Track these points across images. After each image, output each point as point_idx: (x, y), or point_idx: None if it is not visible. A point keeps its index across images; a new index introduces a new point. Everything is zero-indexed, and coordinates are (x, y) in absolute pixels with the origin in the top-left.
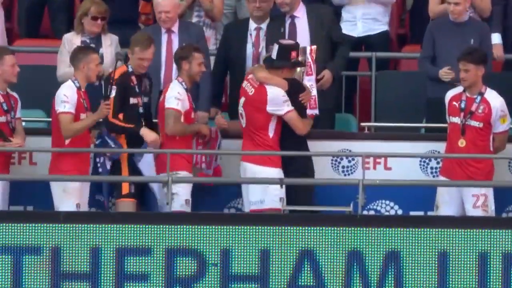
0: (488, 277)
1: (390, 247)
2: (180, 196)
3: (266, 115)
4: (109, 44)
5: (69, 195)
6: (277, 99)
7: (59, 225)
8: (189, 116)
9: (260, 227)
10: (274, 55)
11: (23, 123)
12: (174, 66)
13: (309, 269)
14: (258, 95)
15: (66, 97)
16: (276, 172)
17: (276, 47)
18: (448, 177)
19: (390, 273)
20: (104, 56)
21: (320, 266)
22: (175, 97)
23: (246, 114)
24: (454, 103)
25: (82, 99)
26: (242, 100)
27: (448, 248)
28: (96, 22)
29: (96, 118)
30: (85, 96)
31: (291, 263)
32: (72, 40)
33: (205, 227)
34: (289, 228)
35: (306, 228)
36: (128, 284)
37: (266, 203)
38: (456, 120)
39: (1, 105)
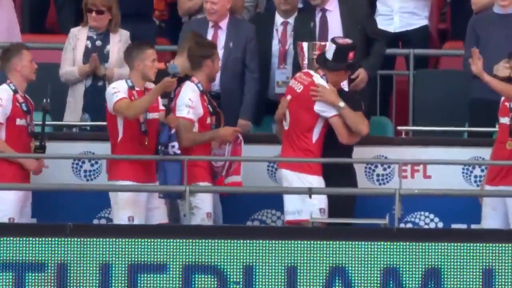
0: None
1: (430, 263)
2: (200, 210)
3: (313, 115)
4: (118, 41)
5: (120, 207)
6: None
7: (66, 239)
8: (204, 122)
9: (286, 241)
10: (329, 56)
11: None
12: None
13: (340, 287)
14: (307, 91)
15: (116, 88)
16: (316, 181)
17: (332, 47)
18: (493, 186)
19: None
20: (110, 53)
21: (353, 284)
22: (186, 104)
23: (291, 114)
24: (507, 103)
25: (135, 99)
26: (288, 98)
27: (493, 264)
28: (91, 15)
29: (160, 90)
30: (139, 96)
31: (321, 281)
32: (78, 35)
33: (226, 241)
34: (318, 242)
35: (337, 242)
36: None
37: (304, 214)
38: (505, 120)
39: (21, 106)
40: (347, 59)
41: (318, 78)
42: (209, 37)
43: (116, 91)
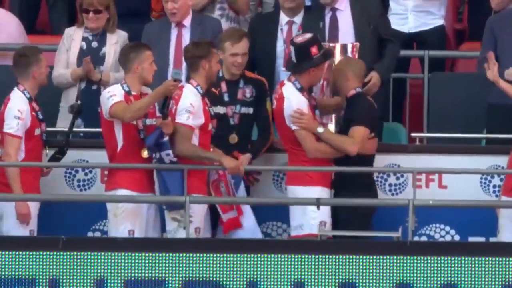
0: None
1: (446, 278)
2: (190, 224)
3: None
4: (115, 43)
5: (120, 219)
6: (287, 111)
7: (58, 253)
8: (205, 128)
9: (293, 256)
10: (294, 58)
11: None
12: (184, 65)
13: None
14: (279, 104)
15: (112, 92)
16: (316, 192)
17: (292, 48)
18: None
19: None
20: (106, 55)
21: None
22: (186, 109)
23: (277, 129)
24: None
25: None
26: None
27: None
28: (87, 15)
29: (161, 94)
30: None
31: None
32: (72, 35)
33: (229, 255)
34: (326, 256)
35: (347, 256)
36: None
37: (305, 229)
38: None
39: (37, 115)
40: (311, 55)
41: (287, 88)
42: (173, 37)
43: (112, 95)
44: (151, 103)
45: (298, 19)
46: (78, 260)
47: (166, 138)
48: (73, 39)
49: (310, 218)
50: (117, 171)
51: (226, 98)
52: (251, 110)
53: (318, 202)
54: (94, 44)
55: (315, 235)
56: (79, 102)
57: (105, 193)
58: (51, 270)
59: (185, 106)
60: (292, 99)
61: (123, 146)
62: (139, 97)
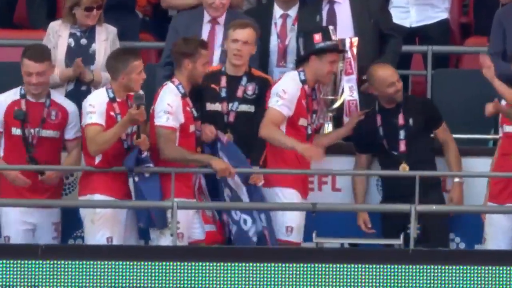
0: None
1: None
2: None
3: None
4: (104, 39)
5: (98, 226)
6: (273, 89)
7: (37, 262)
8: (186, 129)
9: (285, 265)
10: (302, 49)
11: None
12: (216, 58)
13: None
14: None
15: (92, 106)
16: (292, 195)
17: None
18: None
19: None
20: (96, 54)
21: None
22: (164, 110)
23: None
24: None
25: (115, 112)
26: None
27: None
28: (91, 13)
29: (126, 125)
30: (121, 109)
31: None
32: (59, 31)
33: (218, 264)
34: (324, 265)
35: (345, 265)
36: None
37: (280, 234)
38: (511, 129)
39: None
40: (313, 42)
41: (289, 74)
42: (205, 33)
43: (91, 111)
44: (119, 134)
45: (293, 12)
46: (58, 269)
47: (145, 154)
48: (60, 35)
49: (280, 223)
50: (93, 176)
51: (223, 93)
52: (252, 108)
53: (314, 208)
54: (83, 41)
55: (285, 242)
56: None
57: (79, 198)
58: (29, 279)
59: (163, 107)
60: (286, 81)
61: (103, 159)
62: (125, 103)
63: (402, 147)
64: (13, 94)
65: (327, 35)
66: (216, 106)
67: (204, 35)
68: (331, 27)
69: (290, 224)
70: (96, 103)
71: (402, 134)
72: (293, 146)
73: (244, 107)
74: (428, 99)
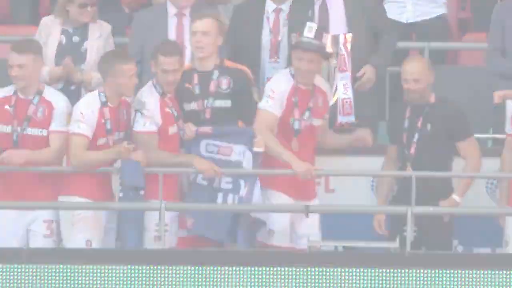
0: None
1: None
2: (151, 232)
3: None
4: (98, 37)
5: (77, 228)
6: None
7: (21, 266)
8: (165, 132)
9: (281, 268)
10: None
11: None
12: (189, 53)
13: None
14: None
15: (82, 115)
16: (278, 199)
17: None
18: None
19: None
20: (88, 52)
21: None
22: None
23: None
24: None
25: (104, 118)
26: None
27: None
28: (85, 9)
29: (113, 157)
30: (112, 115)
31: None
32: (51, 27)
33: (208, 268)
34: (317, 269)
35: (338, 269)
36: None
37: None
38: None
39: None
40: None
41: (281, 70)
42: (172, 28)
43: (80, 120)
44: (103, 161)
45: (286, 6)
46: (42, 273)
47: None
48: (51, 31)
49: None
50: (73, 177)
51: (197, 91)
52: (229, 103)
53: (306, 210)
54: (75, 38)
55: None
56: None
57: (59, 198)
58: (13, 284)
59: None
60: (276, 79)
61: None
62: (117, 109)
63: (412, 149)
64: (7, 90)
65: (303, 31)
66: (192, 105)
67: (171, 30)
68: (313, 24)
69: (271, 228)
70: (87, 112)
71: (416, 136)
72: (289, 160)
73: (220, 103)
74: (460, 110)
